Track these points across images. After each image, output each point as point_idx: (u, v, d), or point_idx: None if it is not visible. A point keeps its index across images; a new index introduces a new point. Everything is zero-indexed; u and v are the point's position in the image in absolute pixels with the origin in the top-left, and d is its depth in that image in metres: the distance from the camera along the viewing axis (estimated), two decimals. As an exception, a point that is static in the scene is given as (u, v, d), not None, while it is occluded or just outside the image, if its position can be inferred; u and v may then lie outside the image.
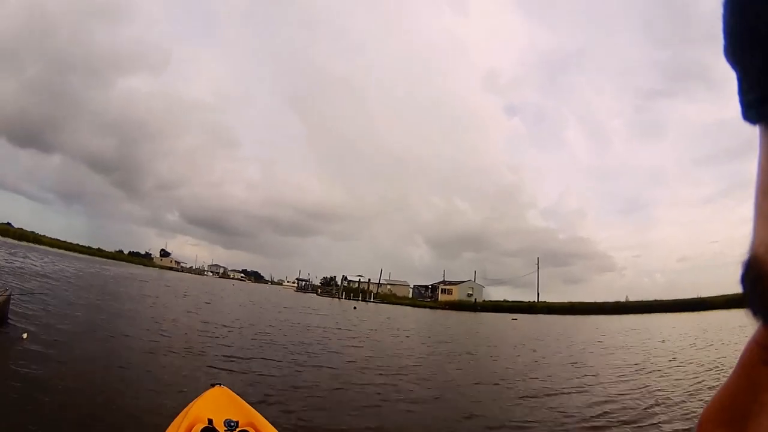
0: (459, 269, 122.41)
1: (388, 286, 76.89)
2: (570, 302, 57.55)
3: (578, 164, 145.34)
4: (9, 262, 19.86)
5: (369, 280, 77.60)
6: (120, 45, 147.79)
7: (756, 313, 0.28)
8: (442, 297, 67.48)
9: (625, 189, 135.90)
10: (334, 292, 79.69)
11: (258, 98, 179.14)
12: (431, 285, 76.02)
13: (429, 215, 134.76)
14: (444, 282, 72.49)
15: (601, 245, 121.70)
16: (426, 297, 72.50)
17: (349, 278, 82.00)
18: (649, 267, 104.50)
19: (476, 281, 70.45)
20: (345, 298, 68.94)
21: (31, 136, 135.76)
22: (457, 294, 66.27)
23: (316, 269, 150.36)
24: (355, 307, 37.52)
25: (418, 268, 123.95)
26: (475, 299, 64.24)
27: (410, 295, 78.11)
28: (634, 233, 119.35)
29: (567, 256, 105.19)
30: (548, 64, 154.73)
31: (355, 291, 74.32)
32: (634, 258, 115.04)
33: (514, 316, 46.12)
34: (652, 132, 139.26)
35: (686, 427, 5.24)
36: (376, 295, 71.05)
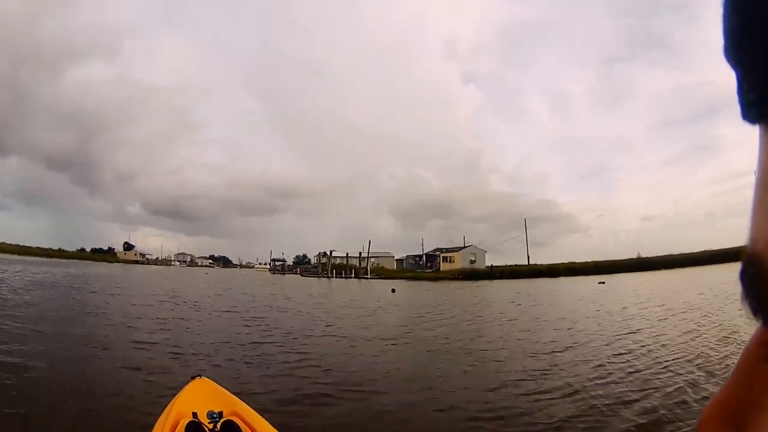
0: (427, 238, 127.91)
1: (373, 260, 77.85)
2: (594, 261, 60.49)
3: (541, 131, 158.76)
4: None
5: (359, 253, 77.93)
6: (69, 32, 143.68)
7: (756, 312, 0.30)
8: (444, 266, 68.96)
9: (587, 154, 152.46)
10: (320, 270, 79.71)
11: (218, 81, 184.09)
12: (426, 254, 77.52)
13: (393, 186, 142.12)
14: (442, 250, 74.50)
15: (566, 207, 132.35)
16: (424, 267, 73.68)
17: (334, 254, 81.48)
18: (613, 227, 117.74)
19: (463, 248, 72.25)
20: (336, 276, 70.17)
21: None
22: (459, 261, 68.21)
23: (285, 249, 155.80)
24: (393, 290, 32.62)
25: (384, 239, 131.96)
26: (491, 266, 66.46)
27: (395, 267, 79.94)
28: (598, 196, 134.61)
29: (532, 219, 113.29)
30: (508, 33, 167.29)
31: (343, 268, 74.83)
32: (598, 218, 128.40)
33: (601, 278, 40.41)
34: (614, 99, 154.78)
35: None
36: (371, 270, 71.71)
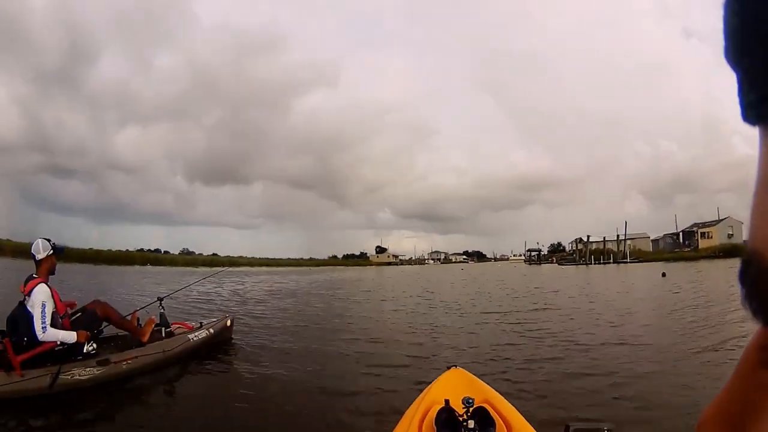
0: (678, 216, 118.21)
1: (628, 242, 75.28)
2: None
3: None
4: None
5: (617, 236, 74.43)
6: (284, 71, 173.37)
7: (756, 312, 0.30)
8: (702, 243, 65.71)
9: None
10: (577, 257, 78.08)
11: (446, 87, 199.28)
12: (683, 231, 73.82)
13: (638, 164, 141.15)
14: (699, 225, 70.38)
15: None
16: (682, 246, 70.86)
17: (591, 239, 78.52)
18: None
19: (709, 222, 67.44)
20: (594, 263, 69.10)
21: (225, 174, 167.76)
22: (717, 237, 63.98)
23: (539, 239, 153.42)
24: (664, 274, 27.88)
25: (636, 220, 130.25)
26: (759, 241, 63.19)
27: (650, 248, 76.87)
28: None
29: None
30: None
31: (601, 253, 73.92)
32: None
33: None
34: None
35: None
36: (630, 254, 69.98)
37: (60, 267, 5.52)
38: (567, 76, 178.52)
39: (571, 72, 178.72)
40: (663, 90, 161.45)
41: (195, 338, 6.67)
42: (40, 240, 5.24)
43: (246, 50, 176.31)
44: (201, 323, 7.26)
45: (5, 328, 4.99)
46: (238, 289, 20.92)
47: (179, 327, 6.88)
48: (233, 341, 7.84)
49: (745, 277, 0.30)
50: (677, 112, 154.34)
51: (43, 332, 4.85)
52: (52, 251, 5.26)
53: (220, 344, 7.37)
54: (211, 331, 7.08)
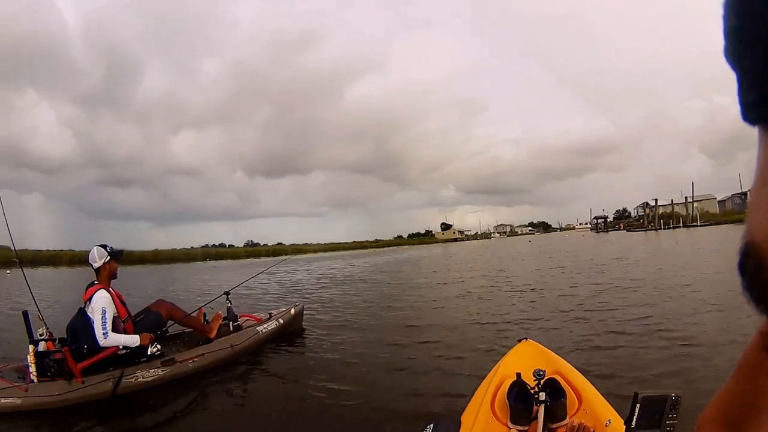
0: (741, 173, 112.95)
1: (695, 204, 73.87)
2: None
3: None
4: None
5: (686, 198, 73.18)
6: (331, 61, 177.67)
7: (757, 302, 0.30)
8: None
9: None
10: (645, 223, 76.19)
11: (490, 60, 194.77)
12: (750, 190, 68.90)
13: (695, 121, 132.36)
14: None
15: None
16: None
17: (658, 203, 76.97)
18: None
19: None
20: (663, 228, 67.22)
21: (284, 166, 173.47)
22: None
23: (603, 206, 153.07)
24: None
25: (698, 180, 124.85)
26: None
27: (717, 210, 74.22)
28: None
29: None
30: None
31: (670, 217, 71.83)
32: None
33: None
34: None
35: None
36: (700, 217, 67.71)
37: (121, 270, 5.42)
38: (610, 35, 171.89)
39: (613, 30, 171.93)
40: (708, 44, 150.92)
41: (264, 330, 6.45)
42: (95, 248, 5.11)
43: (288, 46, 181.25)
44: (270, 314, 7.03)
45: (65, 336, 4.96)
46: (303, 278, 20.81)
47: (248, 319, 6.67)
48: (304, 330, 7.63)
49: (744, 269, 0.30)
50: (725, 66, 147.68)
51: (105, 338, 4.76)
52: (109, 257, 5.13)
53: (291, 334, 7.16)
54: (281, 321, 6.85)
